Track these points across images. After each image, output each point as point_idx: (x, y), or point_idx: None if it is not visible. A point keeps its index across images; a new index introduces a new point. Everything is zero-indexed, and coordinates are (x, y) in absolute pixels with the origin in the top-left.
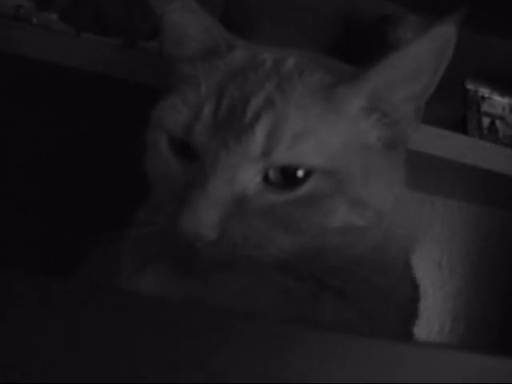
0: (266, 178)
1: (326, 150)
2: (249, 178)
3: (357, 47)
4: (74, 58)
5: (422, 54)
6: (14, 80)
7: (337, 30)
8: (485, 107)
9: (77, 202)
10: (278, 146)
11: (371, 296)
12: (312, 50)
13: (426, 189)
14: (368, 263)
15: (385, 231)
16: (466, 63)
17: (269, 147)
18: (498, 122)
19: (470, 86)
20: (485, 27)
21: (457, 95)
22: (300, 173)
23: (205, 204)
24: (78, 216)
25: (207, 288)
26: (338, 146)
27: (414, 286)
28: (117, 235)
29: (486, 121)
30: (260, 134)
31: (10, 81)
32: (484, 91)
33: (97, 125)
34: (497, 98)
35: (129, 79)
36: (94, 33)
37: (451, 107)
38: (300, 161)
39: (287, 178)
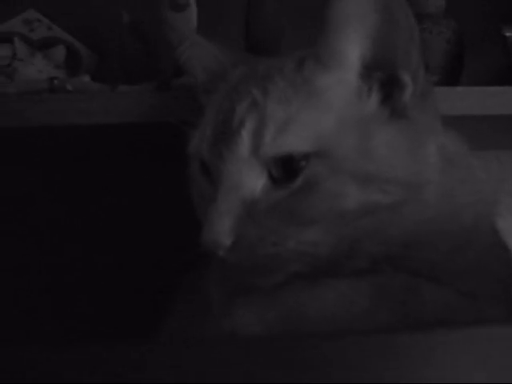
0: (271, 177)
1: (313, 133)
2: (252, 179)
3: None
4: (112, 114)
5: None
6: (58, 150)
7: None
8: None
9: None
10: (263, 140)
11: (464, 272)
12: None
13: (489, 145)
14: (436, 238)
15: (437, 201)
16: (499, 10)
17: (256, 144)
18: None
19: (508, 33)
20: None
21: (496, 45)
22: (295, 162)
23: (216, 214)
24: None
25: (301, 307)
26: (326, 126)
27: (506, 251)
28: (199, 273)
29: None
30: (245, 134)
31: (56, 151)
32: None
33: (148, 173)
34: None
35: (169, 120)
36: (127, 84)
37: (493, 59)
38: (288, 149)
39: (287, 171)
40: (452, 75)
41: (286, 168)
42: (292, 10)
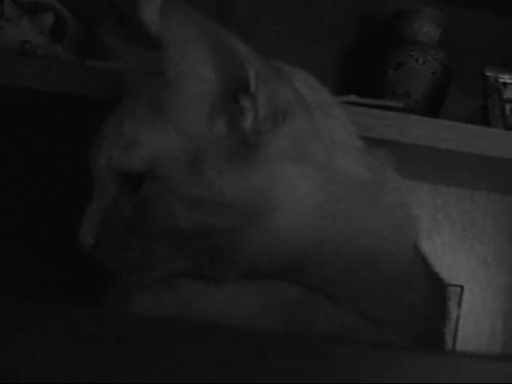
0: (123, 189)
1: (149, 154)
2: (110, 189)
3: (374, 46)
4: (77, 85)
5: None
6: (19, 111)
7: (353, 32)
8: (507, 94)
9: None
10: (113, 156)
11: (367, 295)
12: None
13: (465, 183)
14: (328, 257)
15: (309, 225)
16: (484, 50)
17: (109, 158)
18: None
19: (489, 73)
20: (502, 10)
21: (477, 84)
22: (136, 178)
23: (85, 217)
24: None
25: (192, 300)
26: (163, 148)
27: (438, 286)
28: None
29: (509, 108)
30: (105, 148)
31: (16, 112)
32: (505, 77)
33: None
34: None
35: None
36: (101, 59)
37: (473, 97)
38: (127, 167)
39: (132, 185)
40: (432, 107)
41: (131, 183)
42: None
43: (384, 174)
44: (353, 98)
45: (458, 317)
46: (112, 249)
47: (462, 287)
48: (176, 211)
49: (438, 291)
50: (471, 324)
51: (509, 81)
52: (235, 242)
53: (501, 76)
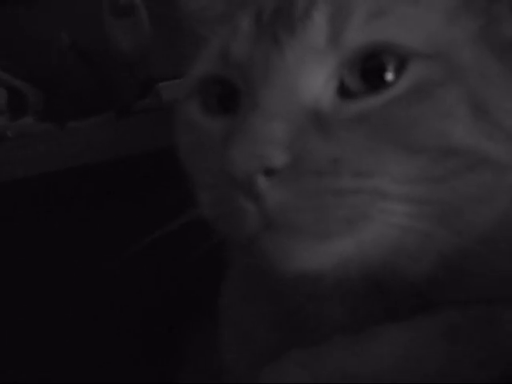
0: (342, 90)
1: (422, 27)
2: (317, 81)
3: None
4: (63, 155)
5: None
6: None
7: None
8: None
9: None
10: (349, 23)
11: None
12: None
13: None
14: None
15: None
16: None
17: (336, 29)
18: None
19: None
20: None
21: None
22: (390, 63)
23: (261, 119)
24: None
25: (351, 373)
26: (441, 26)
27: None
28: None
29: None
30: (320, 16)
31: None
32: None
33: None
34: None
35: (135, 151)
36: (79, 119)
37: None
38: (386, 39)
39: (371, 79)
40: None
41: (369, 75)
42: None
43: None
44: None
45: None
46: (326, 171)
47: None
48: (459, 112)
49: None
50: None
51: None
52: (490, 195)
53: None
